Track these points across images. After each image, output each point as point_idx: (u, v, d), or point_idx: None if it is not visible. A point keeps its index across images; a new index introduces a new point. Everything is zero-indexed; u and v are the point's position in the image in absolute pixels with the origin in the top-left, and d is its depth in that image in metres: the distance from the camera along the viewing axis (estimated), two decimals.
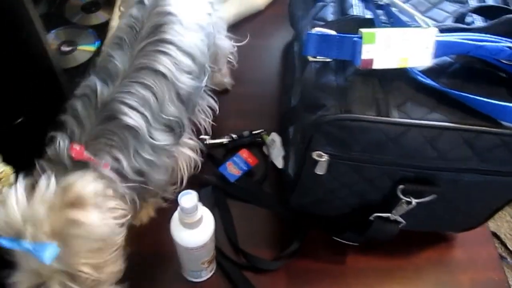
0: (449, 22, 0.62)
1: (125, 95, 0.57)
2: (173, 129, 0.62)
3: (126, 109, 0.56)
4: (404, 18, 0.62)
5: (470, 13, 0.63)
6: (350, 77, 0.58)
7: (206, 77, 0.70)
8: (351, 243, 0.75)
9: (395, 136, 0.55)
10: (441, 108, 0.55)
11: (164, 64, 0.59)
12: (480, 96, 0.53)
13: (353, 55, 0.55)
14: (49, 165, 0.55)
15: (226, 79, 0.97)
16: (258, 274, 0.74)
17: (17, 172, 0.60)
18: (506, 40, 0.54)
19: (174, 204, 0.66)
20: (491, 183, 0.60)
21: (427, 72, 0.57)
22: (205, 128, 0.78)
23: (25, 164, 0.56)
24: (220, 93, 0.98)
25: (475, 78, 0.57)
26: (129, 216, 0.57)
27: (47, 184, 0.50)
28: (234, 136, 0.89)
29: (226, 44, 0.87)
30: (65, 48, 0.98)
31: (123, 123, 0.56)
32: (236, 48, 0.92)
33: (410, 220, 0.65)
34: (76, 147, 0.54)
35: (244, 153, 0.86)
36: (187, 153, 0.71)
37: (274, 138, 0.86)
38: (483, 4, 0.64)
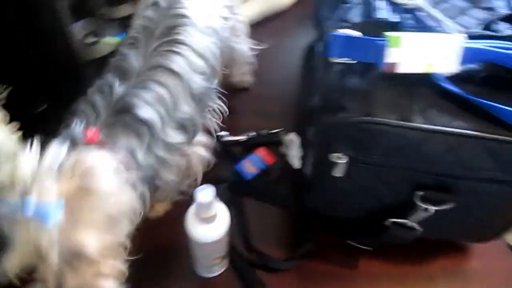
0: (478, 29, 0.62)
1: (140, 91, 0.57)
2: (187, 128, 0.62)
3: (141, 104, 0.56)
4: (431, 23, 0.62)
5: (499, 21, 0.62)
6: (374, 80, 0.57)
7: (217, 80, 0.70)
8: (364, 247, 0.74)
9: (417, 141, 0.54)
10: (465, 116, 0.55)
11: (178, 63, 0.60)
12: (506, 106, 0.53)
13: (378, 58, 0.54)
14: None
15: (246, 78, 0.97)
16: (270, 273, 0.74)
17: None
18: None
19: (189, 198, 0.67)
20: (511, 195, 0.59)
21: (453, 78, 0.56)
22: (214, 130, 0.78)
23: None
24: (239, 92, 0.99)
25: (501, 87, 0.56)
26: (138, 211, 0.56)
27: (60, 150, 0.49)
28: (252, 134, 0.89)
29: (244, 48, 0.88)
30: (89, 40, 0.99)
31: (138, 117, 0.56)
32: (255, 52, 0.92)
33: (426, 228, 0.65)
34: (91, 129, 0.54)
35: (261, 152, 0.86)
36: (200, 153, 0.71)
37: (292, 138, 0.86)
38: None
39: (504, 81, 0.57)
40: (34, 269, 0.48)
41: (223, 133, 0.89)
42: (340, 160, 0.59)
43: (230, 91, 0.97)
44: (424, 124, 0.54)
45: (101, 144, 0.54)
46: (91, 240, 0.48)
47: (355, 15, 0.66)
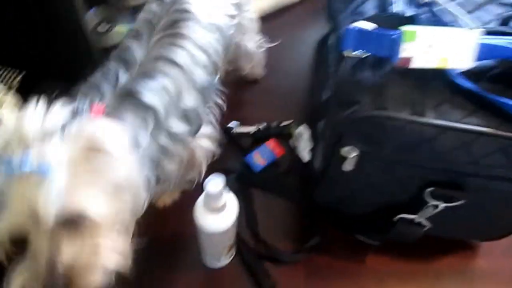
0: (494, 25, 0.61)
1: (144, 79, 0.57)
2: (190, 119, 0.62)
3: (145, 91, 0.56)
4: (447, 17, 0.61)
5: None
6: (387, 74, 0.57)
7: (218, 76, 0.70)
8: (371, 243, 0.74)
9: (429, 137, 0.54)
10: (479, 112, 0.54)
11: (180, 56, 0.60)
12: None
13: (392, 52, 0.54)
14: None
15: (257, 70, 0.97)
16: (277, 265, 0.74)
17: None
18: None
19: (198, 188, 0.67)
20: None
21: (467, 74, 0.56)
22: (217, 122, 0.77)
23: None
24: (250, 83, 0.98)
25: None
26: (143, 194, 0.54)
27: (65, 110, 0.47)
28: (262, 126, 0.89)
29: (251, 45, 0.88)
30: (102, 28, 0.99)
31: (143, 102, 0.55)
32: (264, 49, 0.92)
33: (434, 225, 0.64)
34: (97, 104, 0.52)
35: (271, 144, 0.86)
36: (204, 145, 0.70)
37: (302, 131, 0.86)
38: None
39: None
40: (24, 240, 0.44)
41: (233, 124, 0.89)
42: (351, 154, 0.59)
43: (241, 83, 0.97)
44: (436, 119, 0.54)
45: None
46: (94, 204, 0.45)
47: (370, 8, 0.65)
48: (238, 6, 0.74)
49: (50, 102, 0.48)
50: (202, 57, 0.63)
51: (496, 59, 0.57)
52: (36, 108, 0.46)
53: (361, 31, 0.56)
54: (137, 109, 0.55)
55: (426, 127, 0.54)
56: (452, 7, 0.60)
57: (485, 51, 0.53)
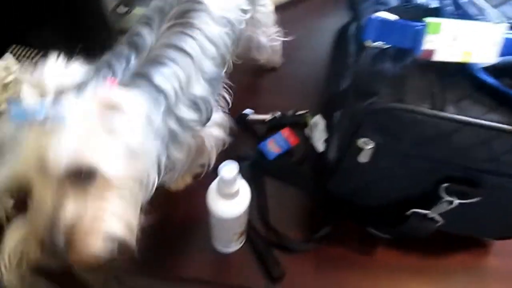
0: None
1: (155, 63, 0.56)
2: (200, 107, 0.62)
3: (157, 75, 0.55)
4: (472, 10, 0.59)
5: None
6: (407, 66, 0.56)
7: (225, 69, 0.70)
8: (383, 236, 0.74)
9: (448, 132, 0.53)
10: (500, 109, 0.53)
11: (190, 45, 0.59)
12: None
13: (414, 44, 0.53)
14: None
15: (276, 58, 0.96)
16: (287, 254, 0.74)
17: None
18: None
19: (211, 174, 0.67)
20: None
21: (489, 69, 0.55)
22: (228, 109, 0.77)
23: None
24: (267, 71, 0.98)
25: None
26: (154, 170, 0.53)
27: (83, 68, 0.47)
28: (277, 114, 0.89)
29: (263, 39, 0.87)
30: (121, 10, 0.99)
31: (155, 84, 0.55)
32: (278, 42, 0.92)
33: (448, 221, 0.64)
34: (110, 79, 0.52)
35: (286, 132, 0.86)
36: (214, 134, 0.70)
37: (318, 121, 0.86)
38: None
39: None
40: (25, 196, 0.42)
41: (248, 111, 0.89)
42: (367, 146, 0.58)
43: (259, 70, 0.97)
44: (456, 114, 0.53)
45: None
46: (106, 161, 0.44)
47: None
48: (251, 0, 0.73)
49: (69, 60, 0.47)
50: (211, 49, 0.62)
51: None
52: (55, 62, 0.46)
53: (384, 21, 0.55)
54: (149, 89, 0.55)
55: (445, 122, 0.53)
56: (478, 0, 0.59)
57: (509, 46, 0.52)
